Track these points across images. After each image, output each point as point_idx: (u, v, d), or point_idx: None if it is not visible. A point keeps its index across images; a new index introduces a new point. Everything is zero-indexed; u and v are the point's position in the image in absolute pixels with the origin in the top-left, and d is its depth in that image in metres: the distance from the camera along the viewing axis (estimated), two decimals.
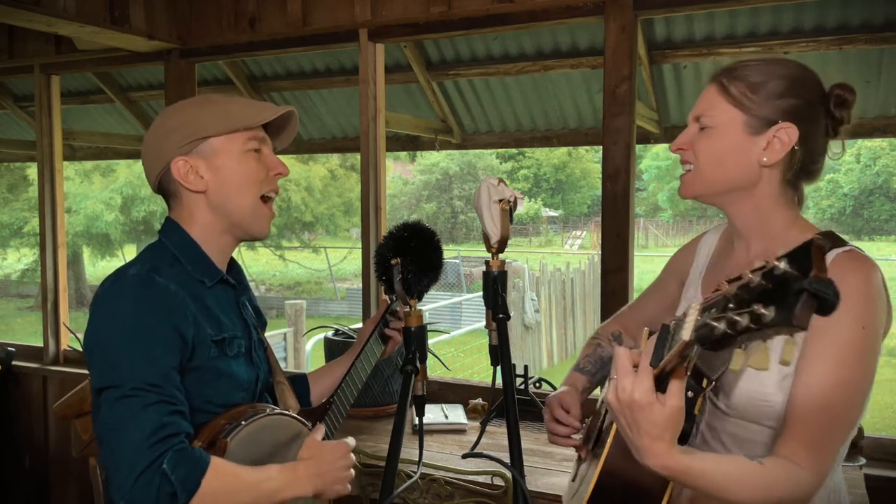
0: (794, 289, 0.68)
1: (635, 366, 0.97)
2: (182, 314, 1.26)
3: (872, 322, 1.12)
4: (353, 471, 1.39)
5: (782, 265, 0.70)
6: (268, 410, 1.36)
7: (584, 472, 1.36)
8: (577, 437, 1.45)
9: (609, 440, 1.13)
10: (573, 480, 1.47)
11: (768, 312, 0.69)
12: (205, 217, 1.37)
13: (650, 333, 1.18)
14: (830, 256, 1.16)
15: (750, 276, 0.73)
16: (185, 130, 1.34)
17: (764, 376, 1.16)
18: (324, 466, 1.32)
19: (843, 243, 1.19)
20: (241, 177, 1.36)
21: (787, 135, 1.18)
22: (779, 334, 0.71)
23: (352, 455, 1.39)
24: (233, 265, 1.47)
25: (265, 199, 1.40)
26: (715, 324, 0.76)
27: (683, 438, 1.04)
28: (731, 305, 0.75)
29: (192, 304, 1.29)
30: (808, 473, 1.09)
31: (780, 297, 0.69)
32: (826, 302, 0.67)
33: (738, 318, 0.72)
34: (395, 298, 1.68)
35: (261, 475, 1.24)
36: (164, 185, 1.38)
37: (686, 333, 0.81)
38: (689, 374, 0.96)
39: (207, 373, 1.31)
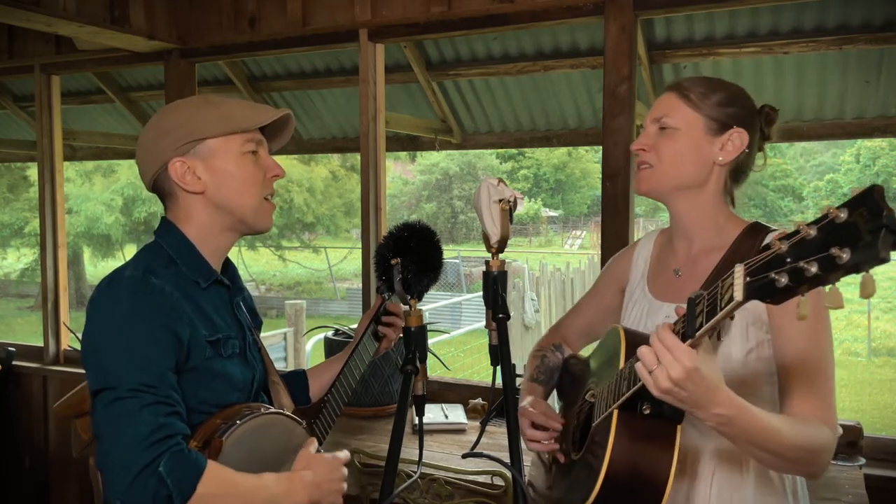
0: (871, 227, 0.74)
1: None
2: (177, 315, 1.26)
3: (819, 297, 1.23)
4: (344, 485, 1.39)
5: (844, 214, 0.77)
6: (262, 410, 1.36)
7: (570, 474, 1.37)
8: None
9: (611, 435, 1.15)
10: (549, 489, 1.47)
11: (844, 255, 0.76)
12: (203, 217, 1.37)
13: (626, 333, 1.25)
14: (770, 238, 1.26)
15: (805, 229, 0.80)
16: (183, 131, 1.33)
17: (731, 351, 1.28)
18: (319, 477, 1.32)
19: (770, 227, 1.35)
20: (240, 179, 1.35)
21: (739, 138, 1.33)
22: (849, 274, 0.78)
23: (344, 469, 1.39)
24: (227, 266, 1.46)
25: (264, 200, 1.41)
26: (777, 276, 0.82)
27: (679, 417, 1.12)
28: (788, 259, 0.81)
29: (186, 305, 1.29)
30: (828, 430, 1.20)
31: (853, 239, 0.76)
32: None
33: (805, 266, 0.79)
34: (388, 296, 1.68)
35: (256, 482, 1.23)
36: (159, 185, 1.37)
37: (738, 294, 0.88)
38: (720, 339, 1.06)
39: (203, 374, 1.30)
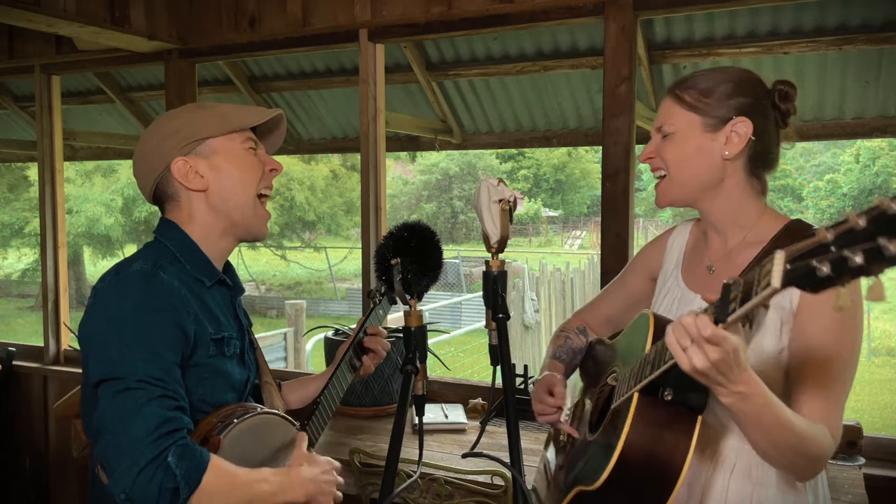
0: None
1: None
2: (185, 310, 1.27)
3: (858, 295, 1.23)
4: (339, 493, 1.39)
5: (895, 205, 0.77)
6: (259, 409, 1.37)
7: (585, 453, 1.38)
8: (564, 417, 1.51)
9: (629, 417, 1.16)
10: (561, 467, 1.48)
11: (893, 246, 0.76)
12: (205, 217, 1.38)
13: (655, 319, 1.24)
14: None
15: (854, 218, 0.79)
16: (184, 133, 1.36)
17: (764, 351, 1.26)
18: (315, 473, 1.33)
19: (815, 227, 1.28)
20: (241, 173, 1.39)
21: (742, 128, 1.30)
22: (893, 266, 0.77)
23: (335, 474, 1.39)
24: (227, 266, 1.48)
25: (261, 198, 1.43)
26: (819, 265, 0.82)
27: (700, 408, 1.13)
28: (833, 248, 0.81)
29: (193, 301, 1.30)
30: (831, 436, 1.19)
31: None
32: None
33: (850, 255, 0.79)
34: (380, 300, 1.68)
35: (256, 476, 1.25)
36: (161, 189, 1.39)
37: (776, 281, 0.87)
38: (751, 328, 1.05)
39: (204, 371, 1.31)
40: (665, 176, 1.37)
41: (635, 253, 1.70)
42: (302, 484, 1.30)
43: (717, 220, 1.38)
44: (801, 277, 0.84)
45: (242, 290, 1.50)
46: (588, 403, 1.46)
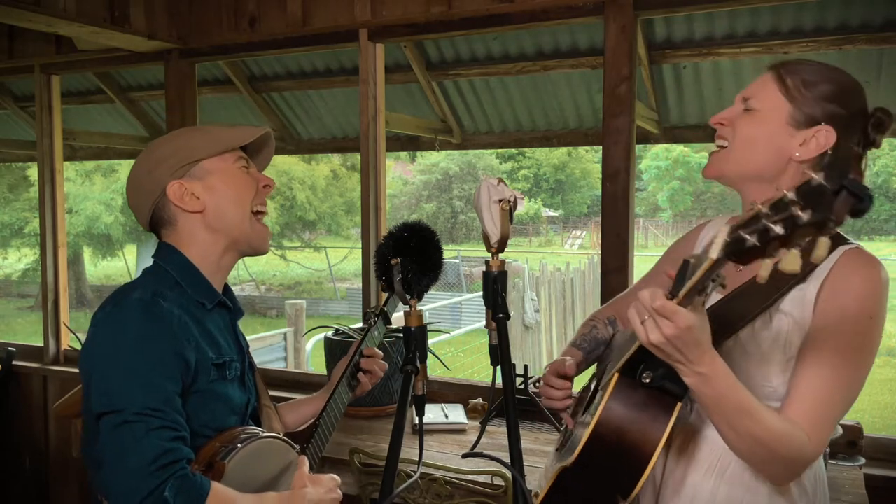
0: (833, 189, 0.76)
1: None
2: (186, 339, 1.27)
3: (878, 314, 1.21)
4: None
5: (819, 177, 0.77)
6: (260, 433, 1.37)
7: (567, 437, 1.39)
8: (569, 410, 1.50)
9: (606, 396, 1.17)
10: (557, 450, 1.49)
11: (805, 214, 0.77)
12: (204, 238, 1.39)
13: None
14: (839, 252, 1.23)
15: (784, 192, 0.80)
16: (177, 157, 1.37)
17: (770, 361, 1.24)
18: (319, 494, 1.32)
19: (848, 241, 1.26)
20: (236, 191, 1.39)
21: (825, 137, 1.23)
22: (811, 236, 0.79)
23: (339, 491, 1.39)
24: (226, 289, 1.48)
25: (257, 215, 1.43)
26: (747, 236, 0.83)
27: (680, 396, 1.14)
28: (763, 220, 0.82)
29: (194, 327, 1.30)
30: (808, 440, 1.16)
31: (817, 200, 0.77)
32: (862, 201, 0.76)
33: (771, 225, 0.80)
34: (375, 322, 1.68)
35: (258, 502, 1.24)
36: (158, 214, 1.39)
37: (715, 252, 0.87)
38: (705, 304, 1.04)
39: (206, 396, 1.31)
40: (726, 147, 1.30)
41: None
42: None
43: None
44: (732, 248, 0.85)
45: (242, 313, 1.50)
46: (593, 388, 1.47)
